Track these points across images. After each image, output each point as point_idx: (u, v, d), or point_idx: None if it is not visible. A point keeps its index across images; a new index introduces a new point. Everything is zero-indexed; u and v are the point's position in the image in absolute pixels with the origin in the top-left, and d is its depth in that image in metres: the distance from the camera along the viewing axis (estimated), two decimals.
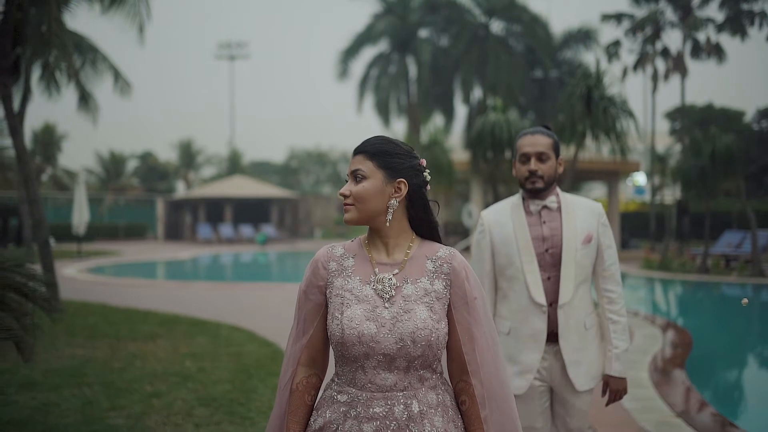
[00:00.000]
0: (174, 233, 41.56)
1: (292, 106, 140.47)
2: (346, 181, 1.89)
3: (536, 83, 33.09)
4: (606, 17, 29.16)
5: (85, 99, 15.42)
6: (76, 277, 16.54)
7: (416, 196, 1.87)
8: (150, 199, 43.67)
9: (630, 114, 10.90)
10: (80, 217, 22.29)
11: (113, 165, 49.27)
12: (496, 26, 32.47)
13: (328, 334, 1.84)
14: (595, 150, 11.45)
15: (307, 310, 1.91)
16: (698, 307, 14.27)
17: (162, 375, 6.27)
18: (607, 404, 3.03)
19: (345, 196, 1.86)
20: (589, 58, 32.22)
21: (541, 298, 2.87)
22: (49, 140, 40.33)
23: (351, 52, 33.36)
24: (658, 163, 32.53)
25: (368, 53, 33.82)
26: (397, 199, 1.85)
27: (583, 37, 32.67)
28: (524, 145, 2.97)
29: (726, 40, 56.22)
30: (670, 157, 35.73)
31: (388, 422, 1.76)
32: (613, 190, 26.28)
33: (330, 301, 1.86)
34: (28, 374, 6.09)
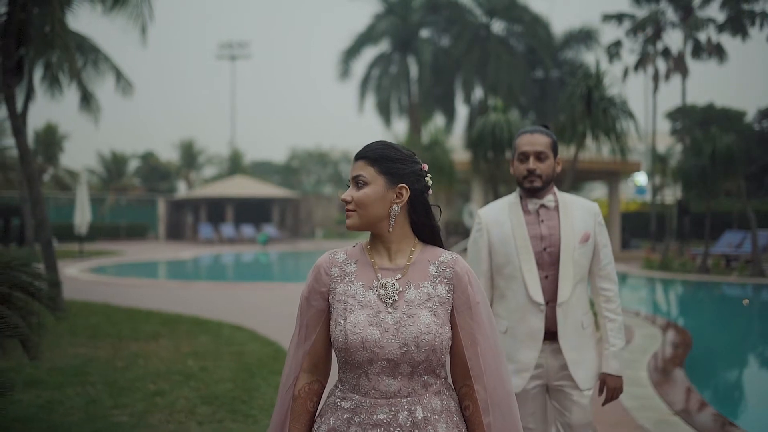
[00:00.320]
0: (175, 233, 41.62)
1: (293, 106, 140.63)
2: (348, 186, 1.89)
3: (537, 83, 33.11)
4: (607, 17, 29.17)
5: (86, 99, 15.48)
6: (78, 276, 16.60)
7: (418, 201, 1.88)
8: (151, 199, 43.72)
9: (630, 114, 10.92)
10: (82, 217, 22.35)
11: (115, 165, 49.36)
12: (497, 26, 32.51)
13: (332, 340, 1.84)
14: (596, 150, 11.47)
15: (309, 316, 1.91)
16: (698, 307, 14.30)
17: (164, 374, 6.32)
18: (603, 403, 3.02)
19: (347, 202, 1.86)
20: (590, 58, 32.23)
21: (539, 297, 2.88)
22: (50, 140, 40.43)
23: (352, 52, 33.40)
24: (658, 163, 32.54)
25: (369, 53, 33.91)
26: (399, 205, 1.85)
27: (584, 37, 32.69)
28: (523, 144, 2.98)
29: (727, 41, 56.22)
30: (670, 157, 35.73)
31: (392, 429, 1.75)
32: (614, 190, 26.29)
33: (333, 307, 1.86)
34: (32, 373, 6.14)
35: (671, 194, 36.85)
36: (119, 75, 15.61)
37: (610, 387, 2.96)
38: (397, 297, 1.82)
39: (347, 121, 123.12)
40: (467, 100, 32.36)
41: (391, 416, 1.76)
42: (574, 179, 20.71)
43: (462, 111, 33.91)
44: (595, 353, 2.97)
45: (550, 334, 2.91)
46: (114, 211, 40.00)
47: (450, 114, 33.70)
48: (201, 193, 40.97)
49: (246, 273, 22.53)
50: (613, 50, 28.50)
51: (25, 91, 11.50)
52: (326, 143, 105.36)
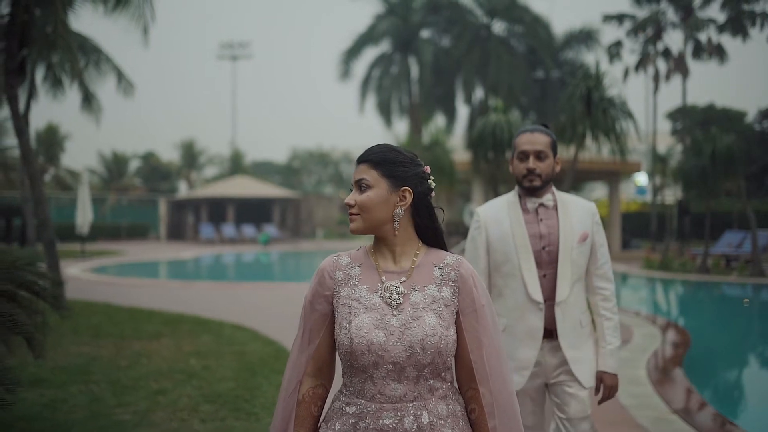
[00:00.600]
0: (176, 233, 41.66)
1: (294, 107, 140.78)
2: (351, 190, 1.88)
3: (538, 84, 33.14)
4: (607, 18, 29.21)
5: (88, 99, 15.52)
6: (79, 276, 16.65)
7: (421, 204, 1.87)
8: (152, 199, 43.77)
9: (629, 115, 10.98)
10: (84, 217, 22.40)
11: (116, 165, 49.43)
12: (498, 27, 32.53)
13: (336, 344, 1.83)
14: (596, 151, 11.52)
15: (313, 320, 1.90)
16: (698, 306, 14.34)
17: (167, 373, 6.37)
18: (600, 402, 3.03)
19: (350, 206, 1.85)
20: (591, 58, 32.21)
21: (538, 296, 2.89)
22: (52, 140, 40.52)
23: (353, 52, 33.42)
24: (659, 163, 32.57)
25: (370, 54, 33.93)
26: (403, 208, 1.84)
27: (585, 37, 32.71)
28: (523, 142, 2.98)
29: (727, 41, 56.26)
30: (671, 157, 35.75)
31: None
32: (614, 190, 26.34)
33: (337, 310, 1.85)
34: (35, 371, 6.19)
35: (672, 194, 36.87)
36: (120, 75, 15.64)
37: (606, 385, 2.97)
38: (402, 300, 1.81)
39: (348, 122, 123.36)
40: (468, 100, 32.39)
41: (396, 421, 1.75)
42: (574, 179, 20.72)
43: (463, 111, 33.97)
44: (593, 352, 2.98)
45: (548, 332, 2.93)
46: (115, 211, 40.05)
47: (450, 114, 33.73)
48: (202, 193, 41.02)
49: (247, 273, 22.57)
50: (614, 50, 28.53)
51: (28, 92, 11.54)
52: (327, 143, 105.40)
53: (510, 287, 2.95)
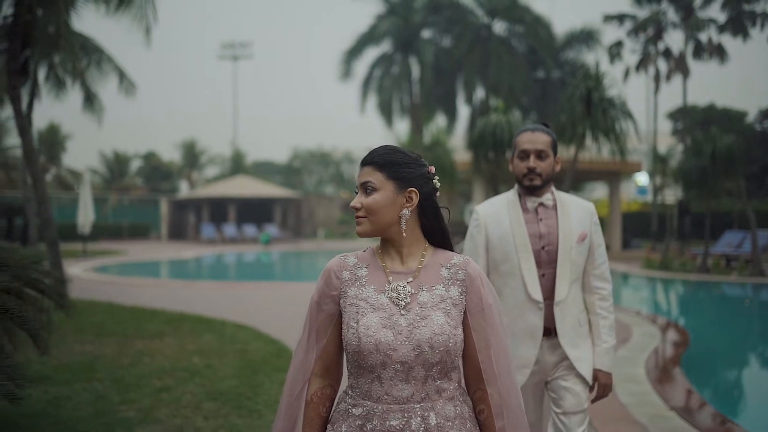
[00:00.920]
0: (178, 233, 41.73)
1: (295, 107, 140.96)
2: (356, 193, 1.87)
3: (538, 84, 33.19)
4: (608, 18, 29.28)
5: (90, 99, 15.56)
6: (81, 276, 16.70)
7: (427, 204, 1.87)
8: (154, 198, 43.84)
9: (629, 115, 11.03)
10: (85, 216, 22.48)
11: (117, 165, 49.55)
12: (499, 27, 32.59)
13: (344, 344, 1.83)
14: (596, 151, 11.57)
15: (320, 321, 1.89)
16: (698, 306, 14.38)
17: (170, 371, 6.42)
18: (593, 400, 3.03)
19: (356, 209, 1.84)
20: (592, 58, 32.28)
21: (538, 295, 2.91)
22: (53, 140, 40.63)
23: (354, 52, 33.48)
24: (659, 163, 32.61)
25: (371, 54, 34.00)
26: (409, 209, 1.84)
27: (586, 37, 32.76)
28: (524, 141, 2.98)
29: (728, 41, 56.23)
30: (671, 157, 35.81)
31: None
32: (615, 190, 26.38)
33: (344, 310, 1.84)
34: (39, 369, 6.24)
35: (672, 194, 36.92)
36: (122, 75, 15.69)
37: (601, 383, 2.98)
38: (409, 299, 1.80)
39: (349, 122, 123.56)
40: (469, 100, 32.45)
41: (404, 422, 1.74)
42: (575, 179, 20.77)
43: (463, 111, 34.04)
44: (590, 351, 2.99)
45: (546, 330, 2.95)
46: (116, 210, 40.13)
47: (451, 114, 33.79)
48: (203, 193, 41.09)
49: (248, 273, 22.62)
50: (615, 51, 28.60)
51: (30, 92, 11.60)
52: (328, 143, 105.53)
53: (510, 286, 2.95)
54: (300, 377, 1.90)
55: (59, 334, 7.66)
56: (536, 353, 2.91)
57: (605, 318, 3.00)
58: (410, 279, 1.84)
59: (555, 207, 3.01)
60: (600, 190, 43.96)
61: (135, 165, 52.59)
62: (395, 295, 1.81)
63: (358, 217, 1.84)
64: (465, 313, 1.84)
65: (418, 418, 1.74)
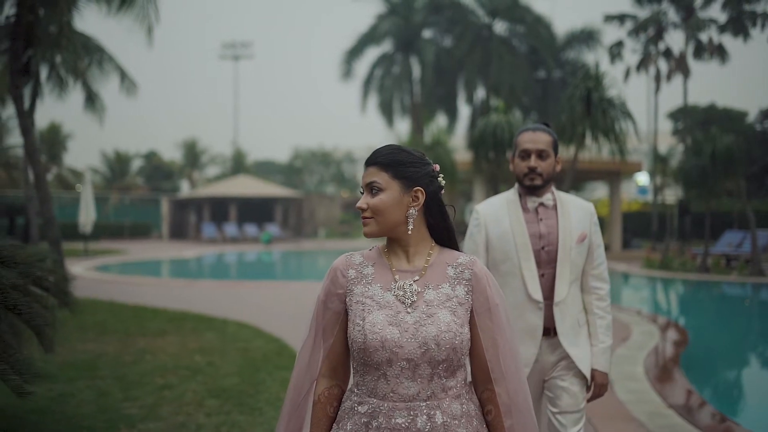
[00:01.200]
0: (179, 232, 41.80)
1: (295, 106, 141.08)
2: (362, 193, 1.87)
3: (539, 83, 33.21)
4: (609, 18, 29.30)
5: (91, 99, 15.61)
6: (83, 275, 16.74)
7: (433, 203, 1.87)
8: (155, 198, 43.89)
9: (629, 115, 11.07)
10: (87, 215, 22.53)
11: (118, 164, 49.61)
12: (500, 27, 32.60)
13: (350, 342, 1.81)
14: (596, 151, 11.61)
15: (327, 320, 1.88)
16: (697, 305, 14.42)
17: (172, 368, 6.48)
18: (589, 399, 3.04)
19: (363, 210, 1.83)
20: (592, 58, 32.32)
21: (538, 295, 2.91)
22: (54, 139, 40.68)
23: (355, 52, 33.51)
24: (660, 163, 32.65)
25: (372, 53, 34.02)
26: (416, 208, 1.83)
27: (586, 37, 32.77)
28: (525, 141, 2.98)
29: (728, 41, 56.16)
30: (672, 157, 35.84)
31: None
32: (615, 190, 26.41)
33: (350, 308, 1.84)
34: (43, 367, 6.25)
35: (672, 194, 36.96)
36: (123, 75, 15.73)
37: (597, 383, 2.99)
38: (415, 297, 1.80)
39: (349, 121, 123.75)
40: (469, 100, 32.47)
41: (409, 420, 1.73)
42: (575, 179, 20.81)
43: (464, 111, 34.06)
44: (589, 351, 3.00)
45: (546, 330, 2.96)
46: (118, 210, 40.18)
47: (452, 114, 33.82)
48: (204, 192, 41.14)
49: (249, 272, 22.68)
50: (615, 51, 28.62)
51: (33, 91, 11.63)
52: (329, 143, 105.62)
53: (509, 286, 2.95)
54: (307, 377, 1.90)
55: (62, 332, 7.70)
56: (536, 353, 2.92)
57: (602, 318, 3.01)
58: (416, 277, 1.84)
59: (555, 207, 3.01)
60: (600, 190, 44.00)
61: (136, 164, 52.67)
62: (401, 293, 1.81)
63: (364, 217, 1.84)
64: (471, 312, 1.83)
65: (424, 416, 1.74)
